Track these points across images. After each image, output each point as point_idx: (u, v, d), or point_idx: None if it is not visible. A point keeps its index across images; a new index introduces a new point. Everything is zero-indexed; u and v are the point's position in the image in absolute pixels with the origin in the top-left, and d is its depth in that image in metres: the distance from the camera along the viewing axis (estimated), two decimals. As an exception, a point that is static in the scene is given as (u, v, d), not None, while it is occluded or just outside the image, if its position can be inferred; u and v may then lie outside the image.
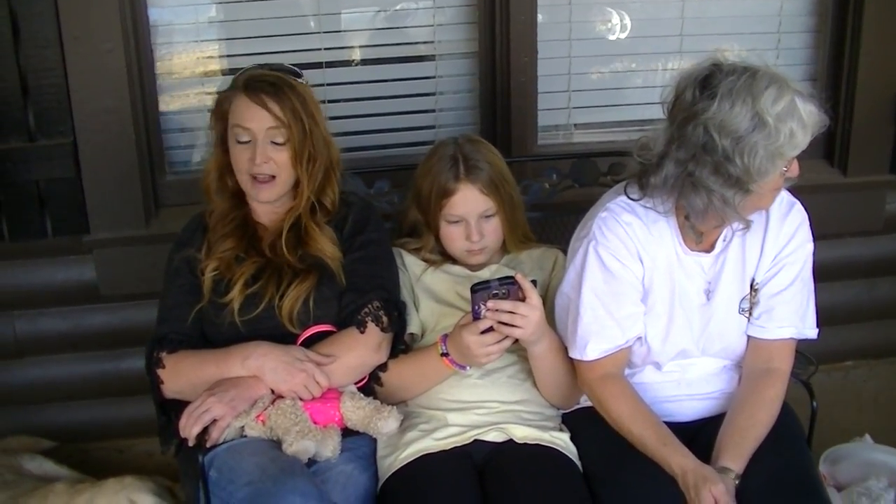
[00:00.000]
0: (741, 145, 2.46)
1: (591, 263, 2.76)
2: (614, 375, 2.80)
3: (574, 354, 2.80)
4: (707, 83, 2.52)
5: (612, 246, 2.75)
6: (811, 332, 2.86)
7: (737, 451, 2.64)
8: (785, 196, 2.79)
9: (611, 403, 2.76)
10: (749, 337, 2.86)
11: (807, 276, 2.84)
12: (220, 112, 2.92)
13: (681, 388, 2.90)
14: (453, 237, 3.02)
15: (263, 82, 2.87)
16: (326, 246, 2.92)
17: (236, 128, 2.86)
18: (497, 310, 2.63)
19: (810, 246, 2.84)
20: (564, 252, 3.09)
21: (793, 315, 2.81)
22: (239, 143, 2.87)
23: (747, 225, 2.67)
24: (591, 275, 2.76)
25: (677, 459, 2.60)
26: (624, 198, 2.79)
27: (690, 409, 2.90)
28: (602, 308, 2.75)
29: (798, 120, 2.47)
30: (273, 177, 2.89)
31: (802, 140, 2.50)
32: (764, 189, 2.56)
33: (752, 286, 2.83)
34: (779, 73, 2.54)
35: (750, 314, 2.84)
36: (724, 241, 2.80)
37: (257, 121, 2.85)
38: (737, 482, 2.58)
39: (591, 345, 2.76)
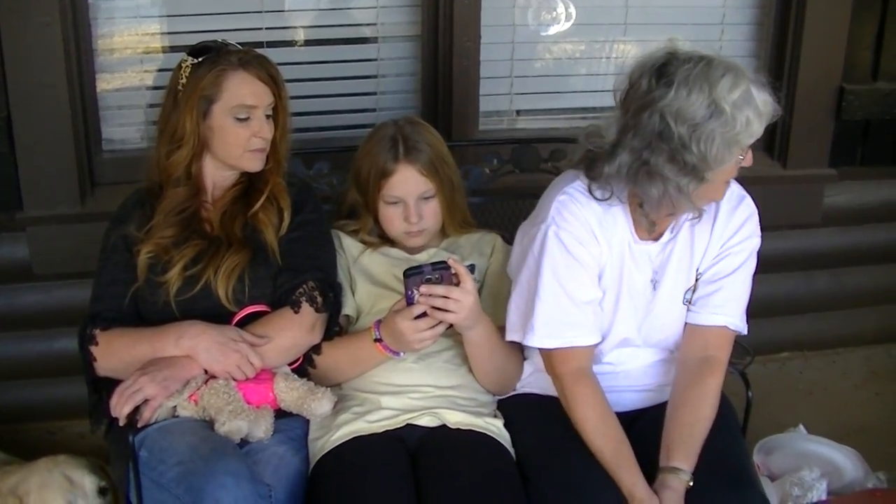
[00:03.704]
0: (698, 133, 2.45)
1: (552, 247, 2.71)
2: (586, 373, 2.75)
3: (531, 342, 2.76)
4: (663, 71, 2.50)
5: (572, 229, 2.71)
6: (742, 326, 2.84)
7: (685, 450, 2.63)
8: (735, 189, 2.79)
9: (578, 407, 2.70)
10: (686, 325, 2.84)
11: (749, 269, 2.82)
12: (204, 96, 2.82)
13: (618, 380, 2.89)
14: (392, 218, 3.01)
15: (254, 58, 2.87)
16: (270, 216, 2.91)
17: (238, 107, 2.83)
18: (430, 295, 2.61)
19: (757, 241, 2.83)
20: (504, 237, 3.11)
21: (728, 303, 2.80)
22: (238, 120, 2.84)
23: (699, 214, 2.67)
24: (551, 259, 2.71)
25: (627, 484, 2.58)
26: (581, 182, 2.75)
27: (627, 400, 2.89)
28: (564, 294, 2.71)
29: (754, 108, 2.46)
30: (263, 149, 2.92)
31: (758, 128, 2.49)
32: (719, 178, 2.55)
33: (697, 277, 2.82)
34: (733, 62, 2.53)
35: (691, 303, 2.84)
36: (672, 230, 2.79)
37: (260, 96, 2.85)
38: (690, 483, 2.58)
39: (552, 332, 2.72)
